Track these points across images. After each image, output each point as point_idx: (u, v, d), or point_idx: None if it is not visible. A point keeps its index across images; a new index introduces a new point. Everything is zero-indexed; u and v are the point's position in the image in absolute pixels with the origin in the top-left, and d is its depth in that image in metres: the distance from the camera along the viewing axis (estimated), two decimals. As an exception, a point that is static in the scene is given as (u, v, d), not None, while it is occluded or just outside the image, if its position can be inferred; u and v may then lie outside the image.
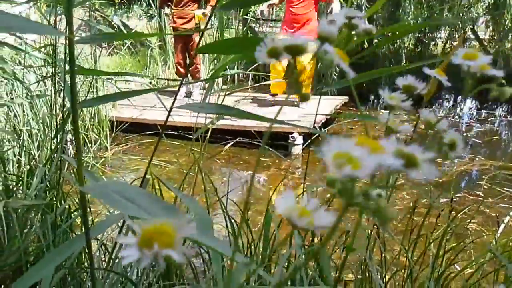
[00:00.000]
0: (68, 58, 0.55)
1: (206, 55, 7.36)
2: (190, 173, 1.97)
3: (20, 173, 1.68)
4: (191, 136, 2.44)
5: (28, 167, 1.68)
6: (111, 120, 4.53)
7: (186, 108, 0.65)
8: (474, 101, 7.08)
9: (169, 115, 0.84)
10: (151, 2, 7.80)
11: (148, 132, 4.42)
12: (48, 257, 0.57)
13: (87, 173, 0.75)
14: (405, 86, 0.37)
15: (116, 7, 7.72)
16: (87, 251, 0.53)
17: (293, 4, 5.05)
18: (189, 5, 5.18)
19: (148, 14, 9.52)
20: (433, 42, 7.32)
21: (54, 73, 1.62)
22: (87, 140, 4.27)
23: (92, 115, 4.44)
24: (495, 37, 7.16)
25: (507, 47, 6.89)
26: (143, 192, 0.38)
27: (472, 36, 8.12)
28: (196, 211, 0.63)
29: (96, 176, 0.72)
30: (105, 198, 0.38)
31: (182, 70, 5.50)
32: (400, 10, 6.36)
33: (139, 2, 8.06)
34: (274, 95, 5.43)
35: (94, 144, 4.29)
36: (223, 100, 2.25)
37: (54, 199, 1.43)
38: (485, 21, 7.96)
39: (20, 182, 1.44)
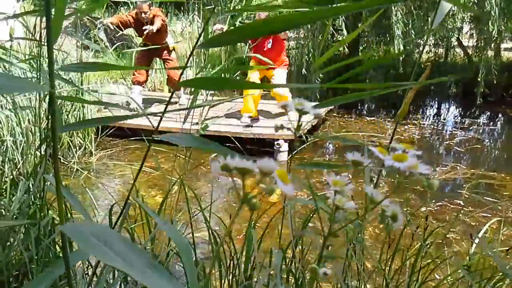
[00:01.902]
0: (48, 101, 0.57)
1: (194, 62, 7.39)
2: (175, 178, 1.99)
3: (3, 183, 1.69)
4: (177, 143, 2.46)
5: (11, 176, 1.68)
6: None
7: (168, 139, 0.67)
8: (458, 108, 7.19)
9: (159, 124, 0.87)
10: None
11: (132, 138, 4.43)
12: (29, 285, 0.58)
13: (67, 194, 0.77)
14: (353, 161, 0.40)
15: (103, 10, 7.70)
16: (67, 279, 0.55)
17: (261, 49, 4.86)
18: (157, 35, 5.23)
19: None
20: (417, 50, 7.41)
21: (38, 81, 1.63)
22: (71, 145, 4.26)
23: (77, 119, 4.42)
24: (479, 45, 7.25)
25: (489, 55, 6.98)
26: (121, 237, 0.41)
27: (456, 43, 8.25)
28: (175, 239, 0.65)
29: (76, 198, 0.74)
30: (83, 242, 0.40)
31: (140, 78, 5.46)
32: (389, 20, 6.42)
33: (126, 5, 8.05)
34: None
35: (79, 149, 4.28)
36: (208, 110, 2.27)
37: (37, 211, 1.44)
38: (469, 29, 8.09)
39: (4, 194, 1.45)
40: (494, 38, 6.30)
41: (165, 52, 5.48)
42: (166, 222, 0.73)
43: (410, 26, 6.76)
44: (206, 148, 0.60)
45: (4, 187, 1.60)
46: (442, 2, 1.05)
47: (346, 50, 6.76)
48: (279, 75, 4.95)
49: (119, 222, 0.85)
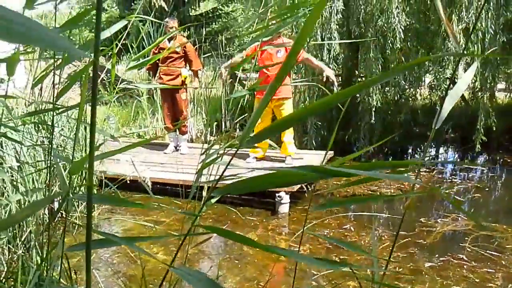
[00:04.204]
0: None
1: (195, 110, 7.50)
2: (175, 233, 1.99)
3: (11, 265, 1.70)
4: (178, 197, 2.47)
5: (20, 262, 1.70)
6: (99, 178, 4.54)
7: (176, 272, 0.70)
8: (456, 154, 7.25)
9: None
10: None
11: (135, 193, 4.44)
12: None
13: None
14: None
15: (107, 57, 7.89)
16: None
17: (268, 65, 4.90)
18: (174, 63, 5.37)
19: (137, 65, 9.64)
20: (412, 97, 7.52)
21: (48, 167, 1.67)
22: (74, 199, 4.26)
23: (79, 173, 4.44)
24: (477, 90, 7.32)
25: (485, 100, 7.04)
26: None
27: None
28: None
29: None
30: None
31: (170, 126, 5.65)
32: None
33: (128, 53, 8.24)
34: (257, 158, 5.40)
35: (82, 203, 4.29)
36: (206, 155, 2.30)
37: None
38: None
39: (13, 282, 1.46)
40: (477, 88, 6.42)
41: (181, 90, 5.53)
42: None
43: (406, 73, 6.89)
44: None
45: (13, 271, 1.62)
46: (443, 108, 1.10)
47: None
48: (289, 110, 5.00)
49: None
